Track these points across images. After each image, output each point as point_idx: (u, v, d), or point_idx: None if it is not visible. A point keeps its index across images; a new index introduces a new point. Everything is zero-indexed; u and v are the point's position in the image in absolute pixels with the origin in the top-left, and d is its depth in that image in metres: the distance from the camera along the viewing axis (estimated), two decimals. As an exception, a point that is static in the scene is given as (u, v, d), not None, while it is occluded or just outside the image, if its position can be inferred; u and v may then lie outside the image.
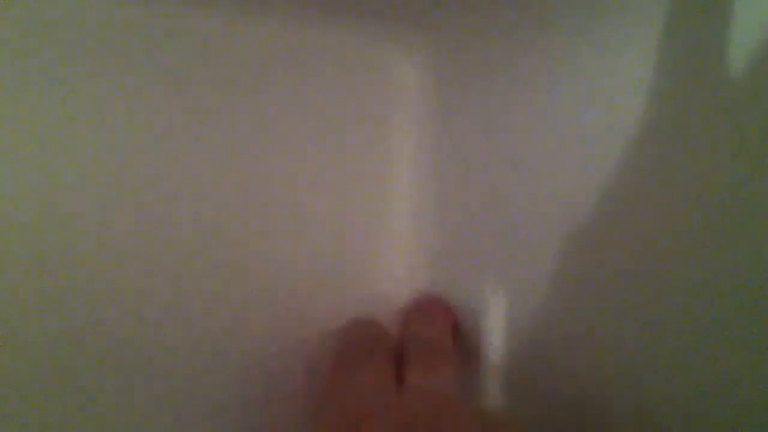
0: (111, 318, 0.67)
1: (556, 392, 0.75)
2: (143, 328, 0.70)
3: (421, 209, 1.13)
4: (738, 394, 0.53)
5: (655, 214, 0.63)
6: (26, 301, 0.62)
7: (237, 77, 0.99)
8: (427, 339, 0.48)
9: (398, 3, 1.14)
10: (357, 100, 1.12)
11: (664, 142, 0.63)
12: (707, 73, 0.64)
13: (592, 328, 0.65)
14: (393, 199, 1.10)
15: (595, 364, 0.67)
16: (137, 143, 0.75)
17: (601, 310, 0.68)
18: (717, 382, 0.54)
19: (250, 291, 0.79)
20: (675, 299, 0.61)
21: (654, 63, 0.67)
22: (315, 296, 0.88)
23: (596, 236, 0.71)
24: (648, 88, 0.67)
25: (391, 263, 1.03)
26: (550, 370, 0.75)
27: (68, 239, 0.65)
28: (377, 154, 1.07)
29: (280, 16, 1.12)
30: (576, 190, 0.81)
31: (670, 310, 0.62)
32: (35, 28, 0.69)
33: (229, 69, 0.97)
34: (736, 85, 0.59)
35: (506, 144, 1.00)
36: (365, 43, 1.19)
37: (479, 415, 0.41)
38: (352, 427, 0.36)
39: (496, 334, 0.77)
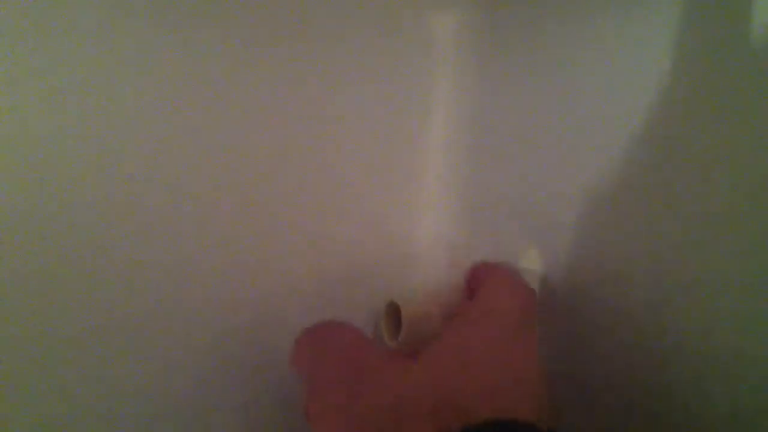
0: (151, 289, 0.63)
1: (591, 325, 0.75)
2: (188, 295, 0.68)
3: (455, 163, 1.11)
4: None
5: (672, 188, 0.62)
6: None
7: (281, 28, 0.96)
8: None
9: None
10: (397, 53, 1.09)
11: (692, 107, 0.61)
12: (736, 45, 0.62)
13: (618, 269, 0.65)
14: (429, 153, 1.08)
15: (624, 298, 0.67)
16: (182, 94, 0.74)
17: (624, 251, 0.67)
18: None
19: (297, 240, 0.80)
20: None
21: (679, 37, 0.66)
22: (354, 251, 0.89)
23: (621, 189, 0.71)
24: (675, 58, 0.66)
25: (427, 218, 1.02)
26: (582, 309, 0.75)
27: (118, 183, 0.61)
28: (416, 108, 1.05)
29: None
30: (602, 147, 0.80)
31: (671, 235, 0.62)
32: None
33: (275, 19, 0.94)
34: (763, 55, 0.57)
35: (539, 95, 0.98)
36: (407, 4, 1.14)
37: None
38: None
39: (531, 279, 0.75)
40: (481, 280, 0.46)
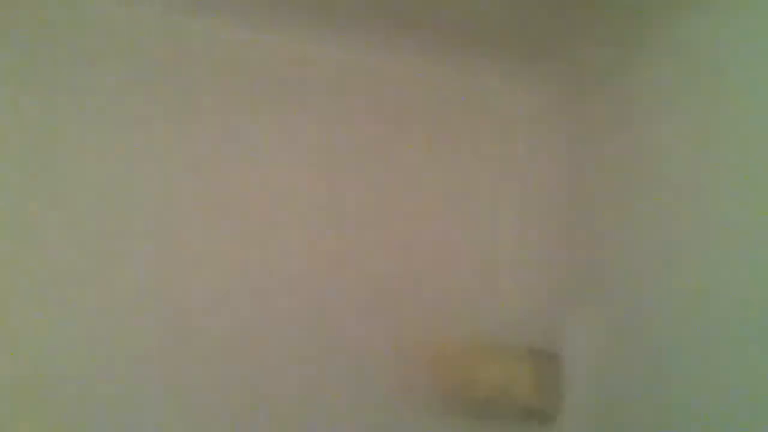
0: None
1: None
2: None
3: (534, 243, 1.16)
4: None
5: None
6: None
7: (381, 115, 1.14)
8: None
9: (523, 40, 1.27)
10: (478, 136, 1.34)
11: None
12: None
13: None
14: (511, 226, 1.15)
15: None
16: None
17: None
18: None
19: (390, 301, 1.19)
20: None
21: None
22: (440, 308, 1.05)
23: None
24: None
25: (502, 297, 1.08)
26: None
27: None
28: (495, 188, 1.16)
29: (411, 54, 1.24)
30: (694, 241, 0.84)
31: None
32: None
33: (378, 106, 1.25)
34: None
35: (622, 189, 1.04)
36: (486, 79, 1.26)
37: None
38: None
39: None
40: None
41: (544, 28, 1.17)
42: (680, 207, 0.94)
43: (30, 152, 1.12)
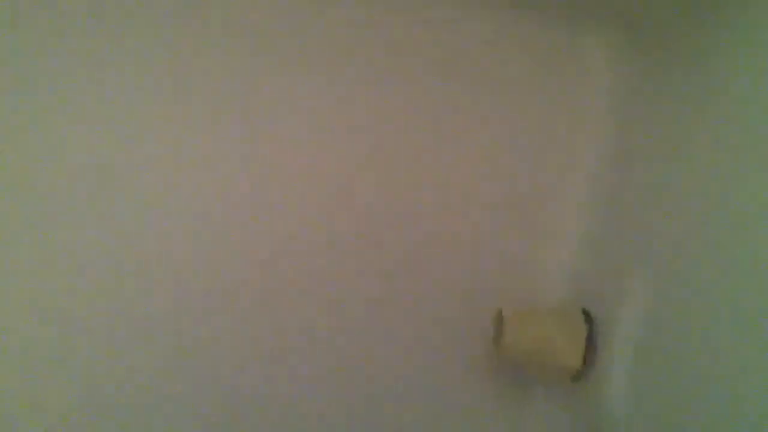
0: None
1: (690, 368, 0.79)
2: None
3: (593, 200, 1.16)
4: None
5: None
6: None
7: (444, 67, 1.27)
8: None
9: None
10: (550, 90, 1.32)
11: None
12: None
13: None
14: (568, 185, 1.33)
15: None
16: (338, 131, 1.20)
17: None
18: None
19: (434, 266, 1.27)
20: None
21: None
22: (484, 274, 1.07)
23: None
24: None
25: (555, 253, 1.09)
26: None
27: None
28: (563, 143, 1.33)
29: (479, 7, 1.20)
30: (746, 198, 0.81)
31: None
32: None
33: (438, 57, 1.26)
34: None
35: (690, 152, 1.01)
36: (560, 35, 1.33)
37: None
38: None
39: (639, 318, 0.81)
40: None
41: None
42: (733, 182, 0.91)
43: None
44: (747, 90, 0.90)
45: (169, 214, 1.18)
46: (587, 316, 1.19)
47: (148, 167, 1.17)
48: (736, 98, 0.92)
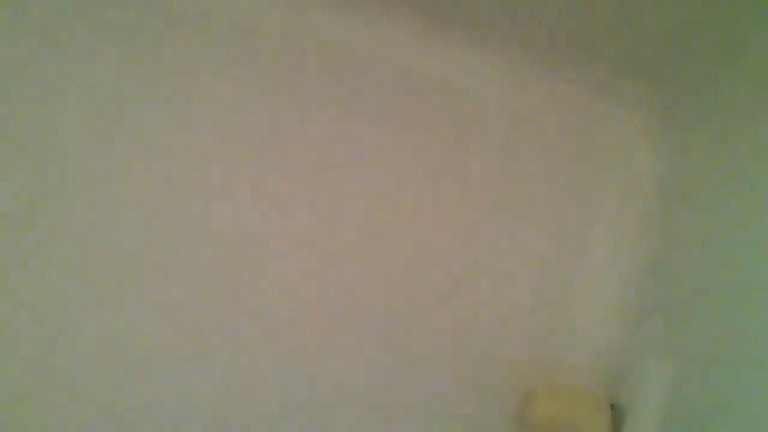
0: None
1: None
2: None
3: (620, 275, 1.16)
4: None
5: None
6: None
7: (468, 133, 1.27)
8: None
9: (626, 63, 1.23)
10: (577, 158, 1.31)
11: None
12: None
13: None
14: (594, 259, 1.17)
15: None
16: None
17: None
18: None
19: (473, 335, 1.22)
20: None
21: None
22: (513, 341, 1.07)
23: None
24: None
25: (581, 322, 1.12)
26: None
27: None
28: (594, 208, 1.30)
29: (504, 73, 1.30)
30: None
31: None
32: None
33: (460, 124, 1.25)
34: None
35: (722, 221, 0.99)
36: (588, 99, 1.33)
37: None
38: None
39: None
40: None
41: (634, 49, 1.17)
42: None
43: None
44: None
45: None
46: (612, 404, 1.18)
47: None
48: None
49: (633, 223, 1.26)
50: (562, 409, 1.18)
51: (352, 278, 1.22)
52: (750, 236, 0.93)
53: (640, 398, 1.11)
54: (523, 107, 1.27)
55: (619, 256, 1.26)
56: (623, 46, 1.16)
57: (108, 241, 1.13)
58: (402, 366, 1.22)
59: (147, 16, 1.16)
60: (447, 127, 1.26)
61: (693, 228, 1.10)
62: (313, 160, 1.22)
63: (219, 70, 1.21)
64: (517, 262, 1.26)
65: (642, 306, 1.22)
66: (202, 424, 1.12)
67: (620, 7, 1.08)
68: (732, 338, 0.94)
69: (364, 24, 1.25)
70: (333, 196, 1.22)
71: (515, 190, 1.27)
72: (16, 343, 1.08)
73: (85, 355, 1.10)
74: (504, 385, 1.23)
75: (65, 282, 1.11)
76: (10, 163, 1.10)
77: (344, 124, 1.24)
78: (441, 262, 1.25)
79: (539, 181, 1.27)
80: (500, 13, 1.17)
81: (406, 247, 1.23)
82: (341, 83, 1.23)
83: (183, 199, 1.17)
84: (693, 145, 1.15)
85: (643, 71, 1.21)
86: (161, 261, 1.15)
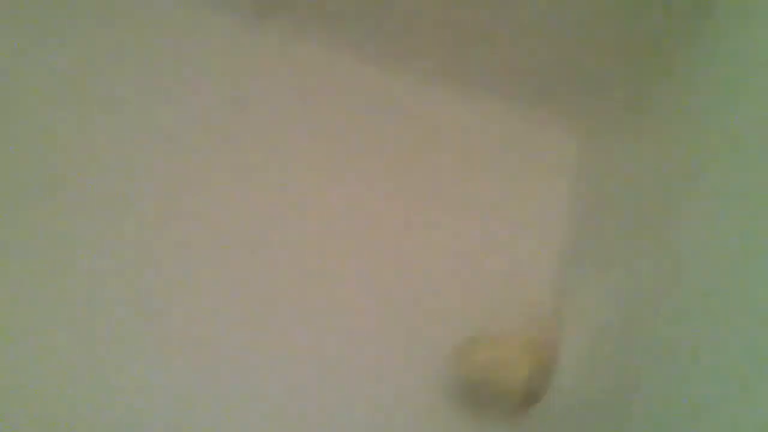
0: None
1: None
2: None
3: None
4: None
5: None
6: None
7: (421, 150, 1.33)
8: None
9: (559, 90, 1.34)
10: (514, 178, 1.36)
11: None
12: None
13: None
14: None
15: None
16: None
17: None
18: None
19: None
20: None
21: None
22: None
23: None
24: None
25: None
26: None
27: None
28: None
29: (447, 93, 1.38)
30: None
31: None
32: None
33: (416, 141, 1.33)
34: None
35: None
36: (526, 126, 1.36)
37: None
38: None
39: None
40: None
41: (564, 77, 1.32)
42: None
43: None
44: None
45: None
46: (538, 341, 1.22)
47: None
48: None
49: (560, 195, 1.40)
50: (491, 354, 1.20)
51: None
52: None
53: (571, 339, 1.13)
54: (465, 126, 1.40)
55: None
56: (553, 69, 1.31)
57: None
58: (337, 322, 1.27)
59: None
60: (406, 143, 1.39)
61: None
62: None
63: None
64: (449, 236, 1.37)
65: (571, 253, 1.29)
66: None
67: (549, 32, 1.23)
68: (657, 275, 0.97)
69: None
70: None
71: (450, 190, 1.39)
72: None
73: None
74: (435, 338, 1.27)
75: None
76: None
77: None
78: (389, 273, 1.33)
79: (469, 183, 1.39)
80: (452, 48, 1.32)
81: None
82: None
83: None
84: (614, 156, 1.29)
85: (571, 90, 1.34)
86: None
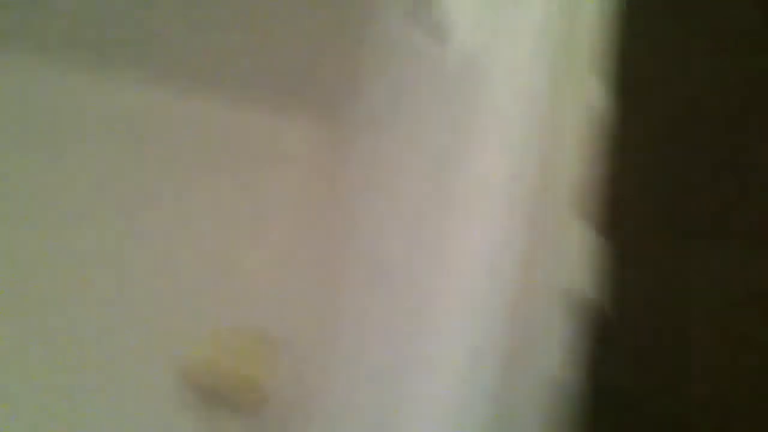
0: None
1: None
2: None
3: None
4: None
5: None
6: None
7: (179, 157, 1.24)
8: None
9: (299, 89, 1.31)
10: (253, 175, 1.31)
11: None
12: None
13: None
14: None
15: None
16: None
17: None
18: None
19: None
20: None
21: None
22: None
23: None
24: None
25: None
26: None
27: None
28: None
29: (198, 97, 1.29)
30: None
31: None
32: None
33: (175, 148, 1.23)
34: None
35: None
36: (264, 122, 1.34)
37: None
38: None
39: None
40: None
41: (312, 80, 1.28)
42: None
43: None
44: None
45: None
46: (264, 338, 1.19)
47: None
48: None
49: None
50: (222, 358, 1.14)
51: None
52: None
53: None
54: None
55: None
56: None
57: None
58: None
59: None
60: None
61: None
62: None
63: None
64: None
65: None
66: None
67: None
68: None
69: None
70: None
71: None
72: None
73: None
74: (176, 333, 1.16)
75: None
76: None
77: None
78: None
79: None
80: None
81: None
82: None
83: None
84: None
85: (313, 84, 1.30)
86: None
